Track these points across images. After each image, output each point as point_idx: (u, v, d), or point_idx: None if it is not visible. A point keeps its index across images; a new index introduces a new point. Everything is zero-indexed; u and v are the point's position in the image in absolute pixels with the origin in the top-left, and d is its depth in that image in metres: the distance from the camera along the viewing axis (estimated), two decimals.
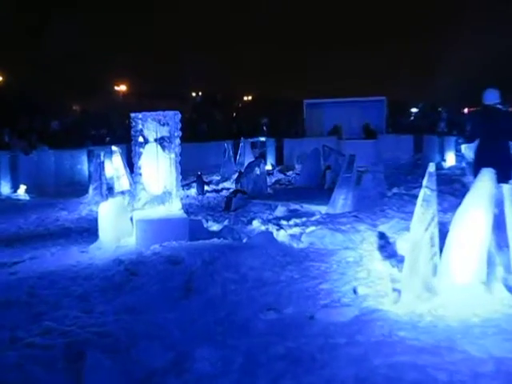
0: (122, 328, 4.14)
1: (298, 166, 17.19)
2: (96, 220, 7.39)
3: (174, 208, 7.15)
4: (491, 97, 7.53)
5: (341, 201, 9.45)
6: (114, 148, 13.06)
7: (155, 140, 7.10)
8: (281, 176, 16.05)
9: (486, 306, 4.28)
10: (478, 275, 4.50)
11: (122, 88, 41.82)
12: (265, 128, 21.32)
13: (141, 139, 7.12)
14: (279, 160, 19.04)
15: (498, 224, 4.55)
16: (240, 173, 12.91)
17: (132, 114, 7.20)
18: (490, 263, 4.54)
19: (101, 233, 7.12)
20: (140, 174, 7.18)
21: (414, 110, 34.82)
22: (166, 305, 4.77)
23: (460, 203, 4.65)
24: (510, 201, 4.49)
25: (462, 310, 4.25)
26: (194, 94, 48.93)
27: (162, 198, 7.16)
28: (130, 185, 11.73)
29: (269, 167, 17.10)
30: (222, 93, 47.70)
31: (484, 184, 4.56)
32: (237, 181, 12.66)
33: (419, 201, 4.41)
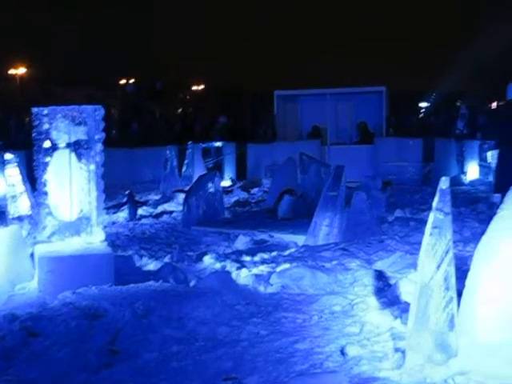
0: None
1: (266, 181, 17.29)
2: None
3: (93, 240, 7.07)
4: None
5: (324, 228, 9.49)
6: (7, 156, 12.87)
7: (67, 145, 7.03)
8: (243, 194, 16.10)
9: None
10: (509, 330, 4.55)
11: (21, 71, 41.41)
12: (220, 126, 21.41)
13: (47, 144, 7.04)
14: (241, 173, 19.10)
15: None
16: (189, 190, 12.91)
17: (34, 109, 7.12)
18: None
19: None
20: (45, 193, 7.08)
21: (423, 104, 35.47)
22: (80, 376, 4.68)
23: (485, 231, 4.72)
24: None
25: (491, 379, 4.28)
26: (123, 82, 48.78)
27: (77, 226, 7.08)
28: (32, 208, 11.55)
29: (227, 182, 17.15)
30: (162, 80, 47.75)
31: None
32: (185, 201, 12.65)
33: (428, 228, 4.46)
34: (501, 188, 7.00)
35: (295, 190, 12.58)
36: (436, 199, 4.55)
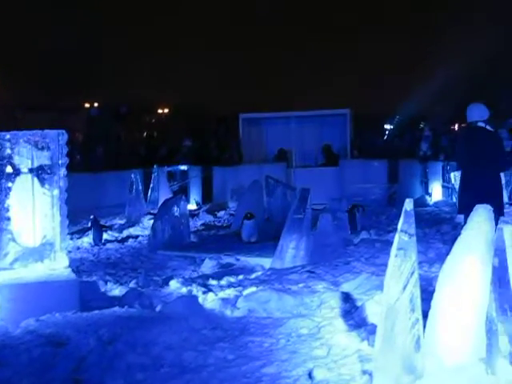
0: None
1: (232, 205, 17.30)
2: None
3: (57, 266, 7.00)
4: (476, 114, 8.01)
5: (290, 251, 9.51)
6: None
7: (30, 170, 6.98)
8: (209, 218, 16.08)
9: None
10: (475, 350, 4.57)
11: None
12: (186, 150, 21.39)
13: (9, 169, 6.98)
14: (207, 196, 19.10)
15: (499, 279, 4.67)
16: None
17: None
18: (491, 333, 4.64)
19: None
20: (8, 219, 7.01)
21: (388, 126, 35.80)
22: None
23: (449, 251, 4.76)
24: None
25: None
26: (87, 106, 48.62)
27: (40, 252, 7.00)
28: None
29: (192, 206, 17.12)
30: (127, 103, 47.63)
31: (479, 226, 4.69)
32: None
33: (393, 250, 4.48)
34: (464, 209, 7.12)
35: (253, 213, 12.56)
36: (401, 221, 4.58)
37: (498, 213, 8.08)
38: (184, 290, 8.07)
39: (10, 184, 6.97)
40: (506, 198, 13.20)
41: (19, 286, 6.63)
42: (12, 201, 6.99)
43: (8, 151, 6.97)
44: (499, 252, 4.66)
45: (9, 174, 6.98)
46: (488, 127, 8.23)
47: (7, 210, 7.00)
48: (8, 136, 6.99)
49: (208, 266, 9.73)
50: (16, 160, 6.97)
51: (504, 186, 11.18)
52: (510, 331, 4.65)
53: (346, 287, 7.66)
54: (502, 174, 8.53)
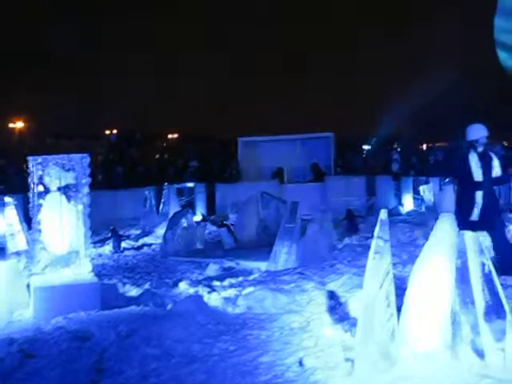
0: None
1: (232, 216, 17.25)
2: None
3: (82, 271, 7.01)
4: (477, 132, 8.02)
5: (283, 255, 9.50)
6: (6, 199, 12.71)
7: (58, 189, 6.99)
8: (213, 228, 16.02)
9: (453, 375, 4.35)
10: (442, 339, 4.58)
11: (19, 125, 41.09)
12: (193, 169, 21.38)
13: (40, 188, 6.99)
14: (211, 209, 19.05)
15: (462, 277, 4.68)
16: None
17: (29, 158, 7.08)
18: (455, 324, 4.64)
19: None
20: (39, 231, 7.01)
21: (366, 146, 35.87)
22: None
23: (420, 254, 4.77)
24: (474, 250, 4.64)
25: (426, 382, 4.30)
26: (107, 132, 48.68)
27: (67, 259, 7.00)
28: (28, 244, 11.38)
29: (198, 218, 17.08)
30: (141, 130, 47.72)
31: (443, 231, 4.70)
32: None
33: (371, 253, 4.50)
34: (475, 226, 7.08)
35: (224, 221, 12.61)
36: (377, 228, 4.59)
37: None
38: (191, 290, 8.05)
39: (41, 201, 6.99)
40: None
41: (50, 289, 6.64)
42: (43, 215, 7.01)
43: (40, 173, 6.99)
44: (461, 254, 4.68)
45: (40, 193, 7.00)
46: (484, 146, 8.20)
47: (39, 224, 7.01)
48: (40, 160, 7.02)
49: (212, 269, 9.69)
50: (46, 180, 6.99)
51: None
52: (471, 321, 4.65)
53: (332, 286, 7.64)
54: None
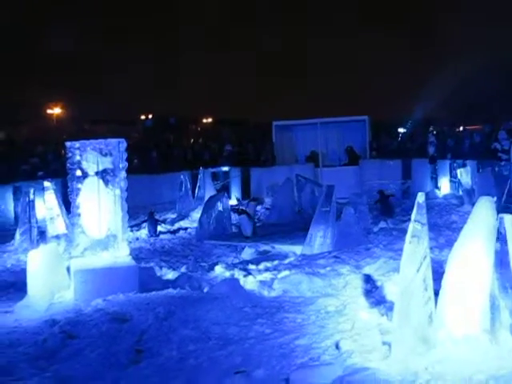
0: None
1: (267, 200, 17.26)
2: (24, 272, 7.24)
3: (120, 254, 7.08)
4: None
5: (318, 239, 9.49)
6: (46, 184, 12.90)
7: (96, 173, 7.06)
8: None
9: (492, 360, 4.31)
10: (480, 323, 4.54)
11: (56, 111, 41.59)
12: (227, 154, 21.41)
13: (79, 173, 7.07)
14: (246, 193, 19.09)
15: (501, 261, 4.62)
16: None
17: (67, 143, 7.17)
18: (494, 308, 4.59)
19: (30, 287, 6.96)
20: (78, 215, 7.10)
21: (401, 130, 35.45)
22: (111, 373, 4.68)
23: (457, 238, 4.72)
24: None
25: (464, 365, 4.26)
26: (143, 117, 49.02)
27: (106, 243, 7.09)
28: (67, 227, 11.56)
29: (233, 201, 17.12)
30: (176, 115, 47.92)
31: (482, 215, 4.64)
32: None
33: (408, 237, 4.46)
34: None
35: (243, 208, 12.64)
36: (414, 212, 4.55)
37: None
38: (227, 273, 8.08)
39: (79, 185, 7.08)
40: None
41: (89, 271, 6.73)
42: (81, 200, 7.10)
43: (77, 158, 7.07)
44: (501, 237, 4.62)
45: (78, 177, 7.08)
46: None
47: (78, 208, 7.11)
48: (77, 145, 7.10)
49: (247, 253, 9.73)
50: (84, 165, 7.07)
51: None
52: (511, 306, 4.60)
53: (367, 270, 7.62)
54: None
